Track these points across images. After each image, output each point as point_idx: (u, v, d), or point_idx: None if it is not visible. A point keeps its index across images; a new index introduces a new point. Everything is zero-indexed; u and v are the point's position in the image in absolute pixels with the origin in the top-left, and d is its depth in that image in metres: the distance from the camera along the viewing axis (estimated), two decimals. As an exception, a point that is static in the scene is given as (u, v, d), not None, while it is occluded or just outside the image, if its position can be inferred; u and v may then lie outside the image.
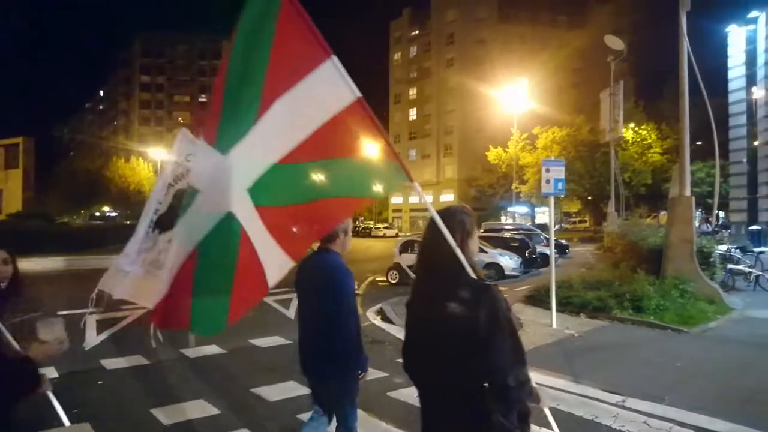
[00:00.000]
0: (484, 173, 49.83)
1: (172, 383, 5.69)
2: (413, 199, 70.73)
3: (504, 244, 18.14)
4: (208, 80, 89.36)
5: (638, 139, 38.67)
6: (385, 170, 2.01)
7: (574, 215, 58.44)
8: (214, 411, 4.77)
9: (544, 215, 67.98)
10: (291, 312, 9.83)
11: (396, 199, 73.01)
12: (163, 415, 4.67)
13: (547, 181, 7.81)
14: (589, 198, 43.54)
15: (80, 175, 56.09)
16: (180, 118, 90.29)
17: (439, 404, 1.88)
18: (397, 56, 73.86)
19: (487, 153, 46.24)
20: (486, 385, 1.74)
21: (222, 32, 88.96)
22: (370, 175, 2.06)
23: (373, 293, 12.94)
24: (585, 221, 55.08)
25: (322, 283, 2.86)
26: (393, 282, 14.86)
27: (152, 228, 2.47)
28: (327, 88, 1.91)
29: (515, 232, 23.51)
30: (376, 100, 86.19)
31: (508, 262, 16.04)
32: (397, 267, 15.00)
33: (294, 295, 12.83)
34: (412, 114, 71.38)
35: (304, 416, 4.61)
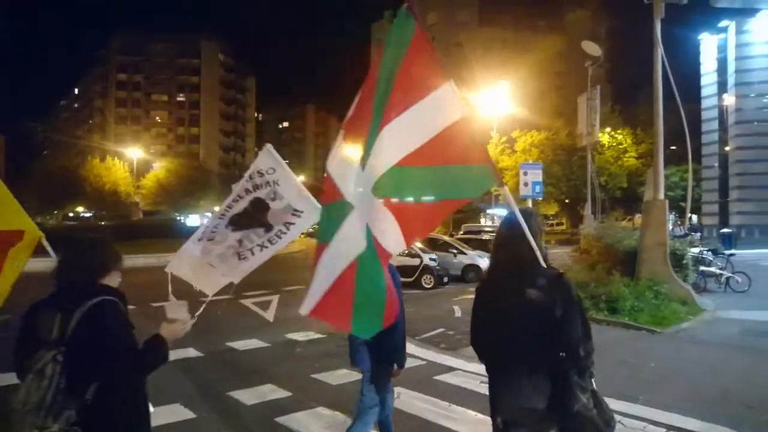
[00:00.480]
0: (465, 176, 50.26)
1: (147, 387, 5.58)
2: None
3: (483, 245, 18.30)
4: (187, 79, 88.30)
5: (614, 144, 39.40)
6: (478, 173, 2.31)
7: (551, 218, 59.17)
8: (190, 415, 4.70)
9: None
10: (270, 314, 9.73)
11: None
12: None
13: (525, 184, 7.93)
14: (566, 201, 44.19)
15: (54, 174, 54.67)
16: (158, 117, 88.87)
17: (517, 372, 2.26)
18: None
19: (467, 155, 46.70)
20: (562, 354, 2.18)
21: (201, 31, 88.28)
22: (467, 179, 2.37)
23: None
24: (562, 224, 55.83)
25: None
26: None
27: (227, 224, 3.18)
28: (442, 106, 2.28)
29: (494, 234, 23.72)
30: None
31: (486, 263, 16.17)
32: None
33: (273, 297, 12.56)
34: (394, 116, 71.68)
35: (282, 419, 4.59)
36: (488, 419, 4.61)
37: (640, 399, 4.97)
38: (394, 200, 2.43)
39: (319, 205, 3.05)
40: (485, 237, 21.51)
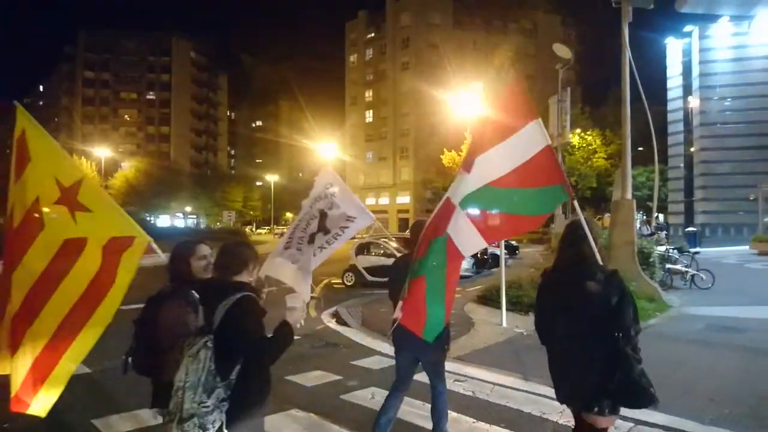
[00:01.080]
0: (439, 176, 50.45)
1: (115, 391, 5.44)
2: (369, 201, 70.51)
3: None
4: (158, 77, 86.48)
5: (584, 145, 40.26)
6: (553, 193, 2.89)
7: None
8: (160, 420, 4.58)
9: (495, 217, 69.55)
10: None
11: (382, 200, 71.15)
12: (104, 426, 4.47)
13: None
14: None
15: (17, 174, 52.78)
16: (127, 116, 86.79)
17: (580, 349, 2.75)
18: (353, 58, 73.83)
19: (441, 156, 46.88)
20: (618, 334, 2.64)
21: (172, 28, 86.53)
22: (543, 200, 2.94)
23: (329, 296, 12.84)
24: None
25: None
26: (349, 284, 14.82)
27: (307, 240, 4.13)
28: (530, 139, 2.84)
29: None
30: (332, 101, 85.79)
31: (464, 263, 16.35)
32: (353, 269, 14.95)
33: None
34: (369, 116, 71.41)
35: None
36: (462, 417, 4.66)
37: (609, 394, 5.06)
38: (475, 211, 3.02)
39: (370, 212, 4.33)
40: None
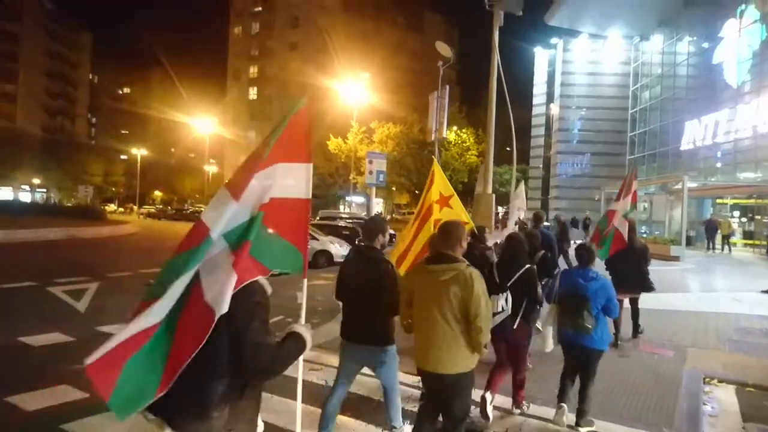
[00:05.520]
0: (325, 162, 50.15)
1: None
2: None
3: (336, 232, 18.46)
4: (3, 25, 74.06)
5: (459, 141, 42.51)
6: (289, 252, 2.54)
7: (403, 206, 62.16)
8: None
9: (378, 206, 71.19)
10: (82, 305, 8.59)
11: None
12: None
13: (370, 172, 7.93)
14: (417, 192, 46.70)
15: None
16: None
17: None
18: (237, 30, 70.13)
19: (328, 142, 46.58)
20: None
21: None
22: (278, 252, 2.46)
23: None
24: (413, 212, 58.99)
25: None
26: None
27: None
28: (295, 179, 2.52)
29: (349, 220, 24.01)
30: (212, 74, 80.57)
31: (338, 249, 16.35)
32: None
33: (91, 285, 11.11)
34: (253, 93, 68.51)
35: (70, 426, 4.00)
36: (308, 408, 4.54)
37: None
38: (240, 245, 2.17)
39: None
40: (340, 224, 21.69)
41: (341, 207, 51.86)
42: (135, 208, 67.39)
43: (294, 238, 2.51)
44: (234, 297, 1.90)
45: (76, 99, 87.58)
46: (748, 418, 4.66)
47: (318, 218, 29.52)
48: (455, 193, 5.51)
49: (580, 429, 4.15)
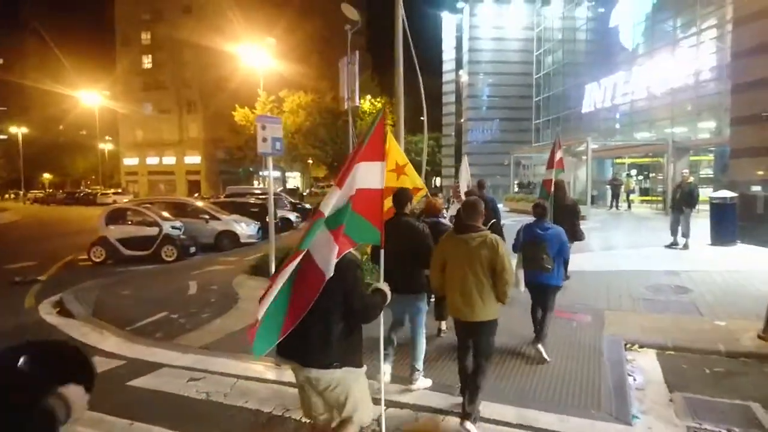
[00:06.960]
0: (232, 134, 47.23)
1: None
2: (151, 161, 63.23)
3: (244, 209, 17.18)
4: None
5: (373, 111, 41.82)
6: (371, 230, 3.22)
7: (322, 180, 60.75)
8: None
9: (294, 179, 69.01)
10: None
11: (129, 161, 64.23)
12: None
13: (264, 140, 6.82)
14: (334, 164, 45.59)
15: None
16: None
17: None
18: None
19: (233, 113, 43.80)
20: None
21: None
22: (365, 231, 3.16)
23: (64, 277, 10.33)
24: (332, 185, 57.96)
25: None
26: (97, 260, 12.24)
27: None
28: (372, 175, 3.17)
29: (262, 196, 22.33)
30: (100, 41, 72.30)
31: (244, 229, 15.17)
32: (102, 242, 12.41)
33: None
34: (147, 61, 62.72)
35: None
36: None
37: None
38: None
39: None
40: (250, 200, 20.10)
41: (255, 183, 49.58)
42: (21, 193, 60.67)
43: (373, 218, 3.14)
44: (343, 267, 2.71)
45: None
46: (673, 386, 4.53)
47: (224, 195, 27.68)
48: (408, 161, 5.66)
49: (539, 347, 5.13)
